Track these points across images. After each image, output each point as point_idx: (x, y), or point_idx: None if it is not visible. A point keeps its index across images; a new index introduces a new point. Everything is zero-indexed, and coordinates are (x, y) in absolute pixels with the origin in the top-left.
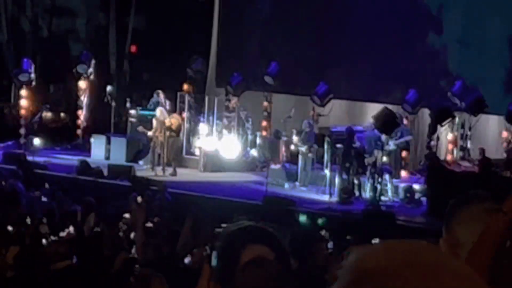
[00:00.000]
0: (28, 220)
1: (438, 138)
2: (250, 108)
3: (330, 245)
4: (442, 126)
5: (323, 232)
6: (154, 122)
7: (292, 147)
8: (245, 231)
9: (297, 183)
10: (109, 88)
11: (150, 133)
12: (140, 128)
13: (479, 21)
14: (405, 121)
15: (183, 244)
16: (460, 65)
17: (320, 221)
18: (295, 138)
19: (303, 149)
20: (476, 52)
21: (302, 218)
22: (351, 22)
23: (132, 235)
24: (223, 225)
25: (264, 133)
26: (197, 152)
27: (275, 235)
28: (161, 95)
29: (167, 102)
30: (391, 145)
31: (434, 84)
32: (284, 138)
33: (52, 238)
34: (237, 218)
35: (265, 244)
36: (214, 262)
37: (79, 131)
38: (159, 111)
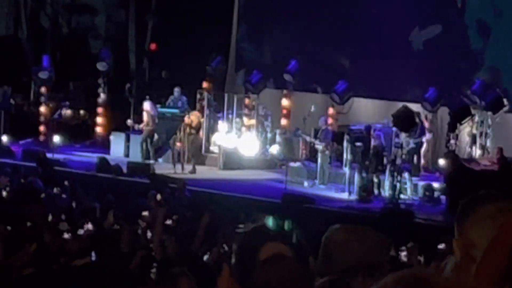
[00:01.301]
0: (48, 217)
1: (457, 137)
2: (270, 106)
3: None
4: (461, 124)
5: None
6: (145, 115)
7: (311, 145)
8: (263, 228)
9: (316, 181)
10: (128, 85)
11: (140, 126)
12: (129, 122)
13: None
14: (424, 121)
15: (200, 242)
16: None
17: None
18: (311, 136)
19: (320, 146)
20: (497, 51)
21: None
22: (371, 20)
23: (150, 232)
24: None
25: (283, 130)
26: (216, 149)
27: (292, 233)
28: (180, 92)
29: (183, 98)
30: (411, 143)
31: (454, 82)
32: (303, 136)
33: (71, 235)
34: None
35: (283, 242)
36: (234, 259)
37: (98, 129)
38: (147, 105)
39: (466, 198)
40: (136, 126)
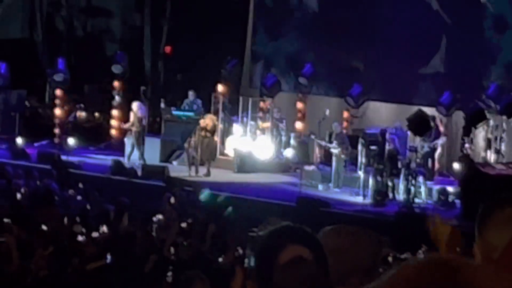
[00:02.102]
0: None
1: (472, 141)
2: (284, 109)
3: None
4: (476, 128)
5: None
6: (132, 115)
7: (325, 149)
8: (283, 231)
9: (330, 185)
10: (143, 88)
11: (125, 126)
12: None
13: None
14: (439, 124)
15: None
16: (496, 69)
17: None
18: (325, 140)
19: (335, 150)
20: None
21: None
22: (386, 24)
23: (165, 235)
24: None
25: (297, 134)
26: (230, 152)
27: (313, 236)
28: (195, 95)
29: (198, 101)
30: (425, 147)
31: (469, 86)
32: (318, 141)
33: (86, 237)
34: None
35: (304, 245)
36: (252, 262)
37: (113, 131)
38: (135, 105)
39: (486, 202)
40: (121, 125)
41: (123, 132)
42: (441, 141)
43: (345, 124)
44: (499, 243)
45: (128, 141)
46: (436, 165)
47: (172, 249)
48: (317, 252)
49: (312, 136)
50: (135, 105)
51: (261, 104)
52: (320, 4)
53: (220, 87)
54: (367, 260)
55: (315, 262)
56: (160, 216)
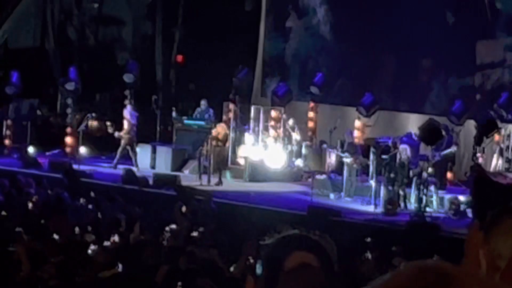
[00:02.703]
0: (74, 229)
1: (483, 150)
2: (296, 118)
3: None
4: (487, 137)
5: (368, 239)
6: (126, 123)
7: (336, 158)
8: (290, 238)
9: (342, 194)
10: (154, 97)
11: (120, 134)
12: (116, 134)
13: None
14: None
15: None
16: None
17: None
18: (338, 149)
19: (348, 159)
20: None
21: None
22: (397, 34)
23: (176, 244)
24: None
25: (309, 143)
26: (242, 161)
27: (320, 243)
28: (206, 103)
29: (210, 110)
30: (437, 156)
31: (480, 95)
32: (329, 149)
33: (97, 247)
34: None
35: (310, 251)
36: (259, 270)
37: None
38: (127, 112)
39: (494, 209)
40: (116, 134)
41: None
42: (452, 150)
43: (356, 133)
44: (505, 251)
45: (141, 151)
46: (448, 174)
47: (182, 258)
48: (323, 258)
49: (324, 145)
50: (127, 112)
51: (273, 113)
52: (332, 13)
53: (231, 96)
54: None
55: (322, 268)
56: (172, 226)
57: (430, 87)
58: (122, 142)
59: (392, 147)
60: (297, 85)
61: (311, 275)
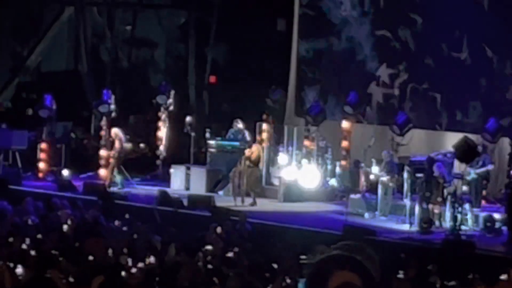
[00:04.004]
0: (110, 251)
1: None
2: (330, 138)
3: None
4: None
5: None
6: (117, 142)
7: (372, 176)
8: (333, 258)
9: (377, 213)
10: (188, 118)
11: (113, 153)
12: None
13: None
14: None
15: None
16: None
17: None
18: (374, 168)
19: (384, 178)
20: None
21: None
22: (429, 51)
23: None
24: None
25: (343, 162)
26: (276, 182)
27: (361, 262)
28: (241, 124)
29: (246, 132)
30: (472, 174)
31: None
32: (368, 170)
33: (133, 268)
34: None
35: (352, 271)
36: None
37: (158, 162)
38: (118, 131)
39: None
40: (112, 154)
41: (169, 163)
42: (489, 168)
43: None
44: None
45: (175, 172)
46: (483, 192)
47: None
48: (366, 278)
49: (362, 165)
50: (118, 131)
51: (306, 133)
52: (366, 31)
53: (265, 117)
54: None
55: (364, 287)
56: (208, 246)
57: (464, 104)
58: (116, 163)
59: (427, 165)
60: (331, 104)
61: None
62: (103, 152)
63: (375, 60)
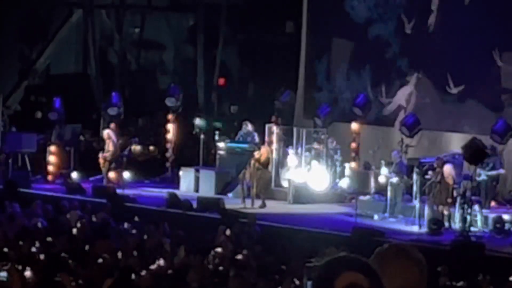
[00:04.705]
0: (119, 254)
1: None
2: (339, 140)
3: None
4: None
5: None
6: (110, 144)
7: (381, 178)
8: (339, 259)
9: (386, 215)
10: (197, 121)
11: (106, 155)
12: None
13: None
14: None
15: None
16: None
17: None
18: (383, 170)
19: (394, 180)
20: None
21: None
22: (438, 52)
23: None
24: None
25: (352, 164)
26: (285, 184)
27: (368, 264)
28: (250, 126)
29: (255, 134)
30: (482, 175)
31: None
32: (377, 171)
33: (142, 271)
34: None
35: (359, 272)
36: None
37: (168, 164)
38: (111, 133)
39: None
40: (106, 155)
41: (178, 165)
42: (500, 172)
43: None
44: None
45: (184, 174)
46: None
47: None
48: (373, 279)
49: (373, 167)
50: (110, 133)
51: (315, 134)
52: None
53: (274, 119)
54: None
55: None
56: (217, 249)
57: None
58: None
59: (436, 166)
60: (340, 106)
61: None
62: (100, 155)
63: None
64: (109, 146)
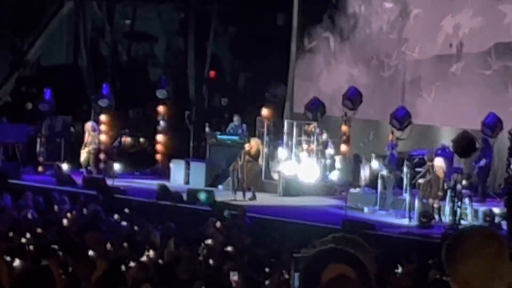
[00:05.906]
0: (108, 245)
1: None
2: (329, 132)
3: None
4: None
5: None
6: (88, 136)
7: (368, 171)
8: (327, 251)
9: (376, 207)
10: (188, 113)
11: (89, 148)
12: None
13: None
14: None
15: None
16: None
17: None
18: (374, 163)
19: (384, 172)
20: None
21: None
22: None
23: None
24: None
25: (343, 157)
26: (276, 176)
27: (356, 255)
28: (240, 118)
29: (243, 126)
30: (476, 169)
31: None
32: (369, 164)
33: (132, 262)
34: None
35: (347, 263)
36: (296, 283)
37: (158, 156)
38: (90, 125)
39: None
40: (90, 148)
41: (168, 157)
42: (480, 164)
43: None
44: None
45: (174, 166)
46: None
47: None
48: (360, 270)
49: (364, 160)
50: (90, 125)
51: (306, 127)
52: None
53: (264, 111)
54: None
55: (359, 280)
56: (207, 241)
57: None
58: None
59: (427, 160)
60: (330, 99)
61: (349, 286)
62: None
63: None
64: (95, 138)
